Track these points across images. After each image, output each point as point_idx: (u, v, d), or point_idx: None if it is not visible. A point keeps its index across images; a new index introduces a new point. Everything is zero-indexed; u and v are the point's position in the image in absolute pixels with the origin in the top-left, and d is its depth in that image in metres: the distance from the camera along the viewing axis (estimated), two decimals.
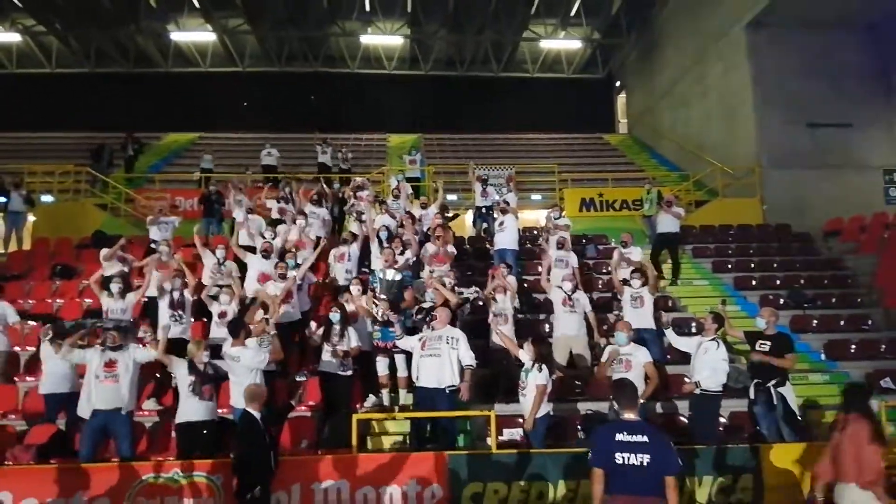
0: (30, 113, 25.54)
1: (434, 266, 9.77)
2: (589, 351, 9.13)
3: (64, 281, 11.68)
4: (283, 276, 8.93)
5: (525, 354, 7.30)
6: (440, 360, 7.28)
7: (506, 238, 11.32)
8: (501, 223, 11.40)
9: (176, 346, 7.91)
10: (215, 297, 8.71)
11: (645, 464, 4.39)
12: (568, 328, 9.09)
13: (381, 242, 10.30)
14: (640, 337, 8.48)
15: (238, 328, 7.24)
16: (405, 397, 8.57)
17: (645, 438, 4.46)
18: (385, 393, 8.50)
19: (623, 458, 4.41)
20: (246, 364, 7.03)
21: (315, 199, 12.26)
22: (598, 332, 9.45)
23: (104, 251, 9.93)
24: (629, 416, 4.65)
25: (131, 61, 27.87)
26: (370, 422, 8.18)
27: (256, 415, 5.72)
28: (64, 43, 27.10)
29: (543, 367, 7.17)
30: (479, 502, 6.63)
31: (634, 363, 7.66)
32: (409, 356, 7.99)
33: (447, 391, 7.25)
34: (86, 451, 6.87)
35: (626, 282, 9.49)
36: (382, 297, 8.37)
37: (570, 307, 9.06)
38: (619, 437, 4.47)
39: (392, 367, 8.45)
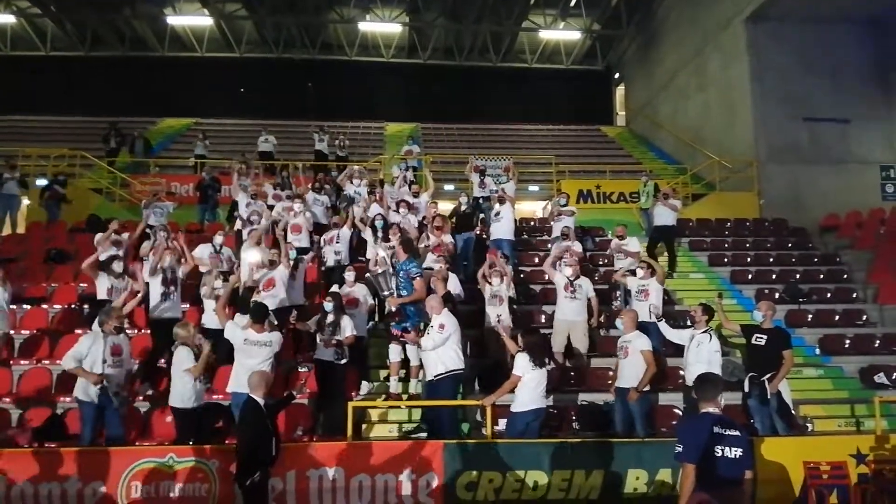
0: (24, 96, 25.30)
1: (433, 256, 9.72)
2: (588, 337, 9.12)
3: (58, 265, 11.60)
4: (272, 263, 8.78)
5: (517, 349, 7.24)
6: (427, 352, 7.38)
7: (502, 228, 11.26)
8: (498, 213, 11.32)
9: (162, 326, 7.92)
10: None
11: (738, 457, 4.32)
12: (568, 313, 9.08)
13: (375, 232, 10.25)
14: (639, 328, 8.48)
15: (264, 313, 7.18)
16: (415, 386, 8.58)
17: (738, 432, 4.40)
18: (394, 380, 8.48)
19: (721, 451, 4.31)
20: (274, 349, 7.06)
21: (317, 186, 12.21)
22: (597, 319, 9.37)
23: (98, 235, 9.88)
24: (713, 409, 4.52)
25: (127, 45, 27.60)
26: (365, 409, 8.19)
27: (261, 401, 5.69)
28: (59, 26, 26.80)
29: (525, 355, 6.94)
30: (474, 491, 6.64)
31: (632, 350, 7.71)
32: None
33: (436, 380, 7.33)
34: (88, 434, 6.87)
35: (632, 272, 9.49)
36: (386, 293, 8.23)
37: (571, 293, 9.04)
38: (716, 429, 4.35)
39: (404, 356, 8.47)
